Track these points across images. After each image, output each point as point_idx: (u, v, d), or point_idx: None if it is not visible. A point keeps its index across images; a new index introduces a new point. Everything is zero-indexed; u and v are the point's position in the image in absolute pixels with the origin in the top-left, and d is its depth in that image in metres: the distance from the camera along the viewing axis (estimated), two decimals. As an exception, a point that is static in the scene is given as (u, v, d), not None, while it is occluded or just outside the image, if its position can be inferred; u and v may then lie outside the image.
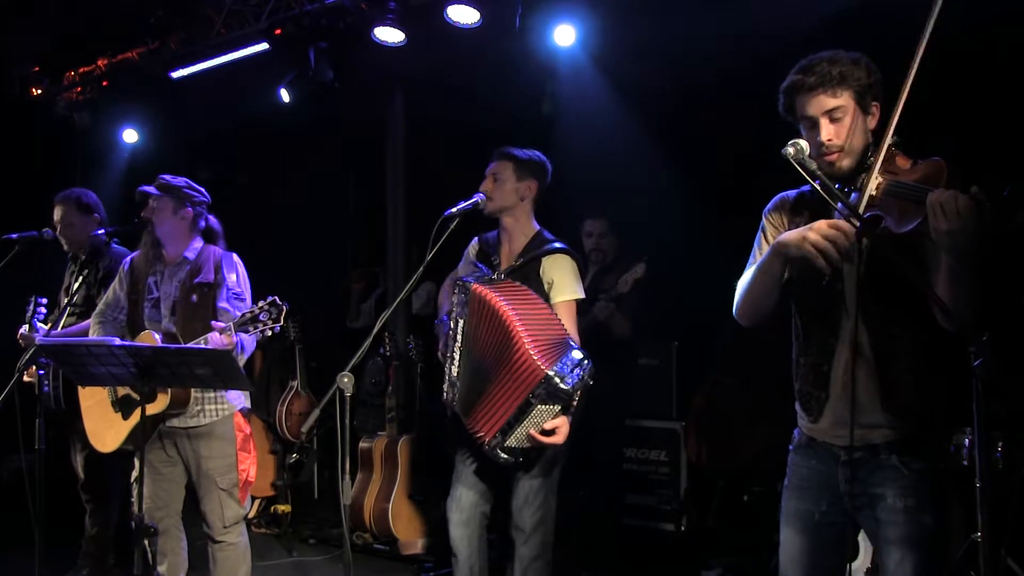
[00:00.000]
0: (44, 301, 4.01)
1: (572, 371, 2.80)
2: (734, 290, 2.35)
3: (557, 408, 2.82)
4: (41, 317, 3.93)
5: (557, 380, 2.75)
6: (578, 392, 2.83)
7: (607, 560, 4.48)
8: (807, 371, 2.19)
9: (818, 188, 1.96)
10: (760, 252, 2.27)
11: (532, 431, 2.83)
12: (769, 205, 2.33)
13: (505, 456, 2.91)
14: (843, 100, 2.06)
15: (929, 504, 2.05)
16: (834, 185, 1.98)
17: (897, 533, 2.05)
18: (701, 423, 5.03)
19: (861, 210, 1.93)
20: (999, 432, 3.59)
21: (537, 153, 3.30)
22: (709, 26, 4.37)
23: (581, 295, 3.18)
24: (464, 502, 3.18)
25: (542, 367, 2.75)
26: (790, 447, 2.33)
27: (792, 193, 2.30)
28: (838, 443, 2.15)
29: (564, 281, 3.13)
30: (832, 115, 2.07)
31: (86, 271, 4.07)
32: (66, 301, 4.07)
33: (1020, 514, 1.88)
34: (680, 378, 5.11)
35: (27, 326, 3.88)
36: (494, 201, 3.18)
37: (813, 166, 1.98)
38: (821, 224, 1.98)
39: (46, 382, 3.28)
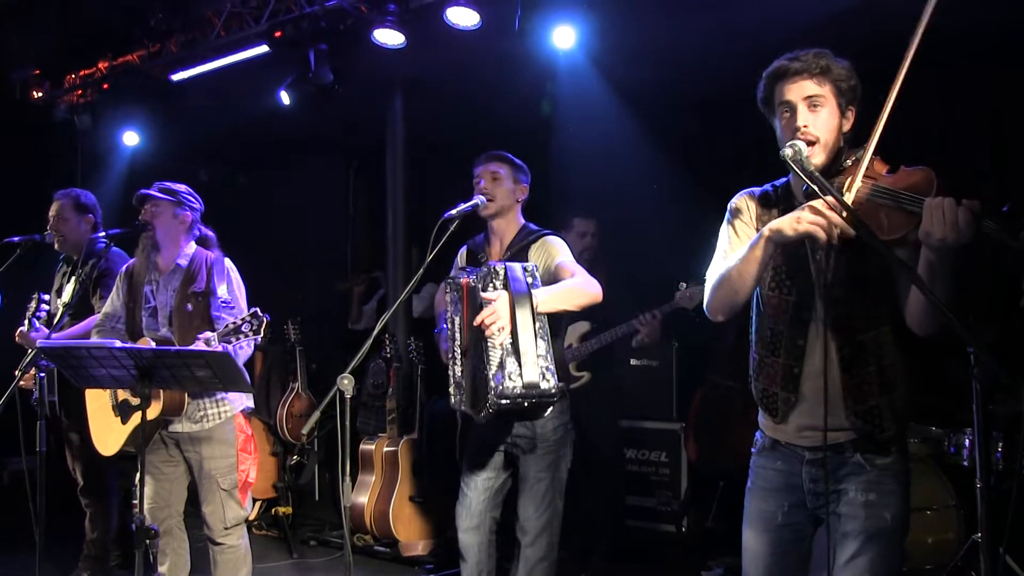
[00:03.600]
0: (47, 298, 4.00)
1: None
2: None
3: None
4: (42, 315, 3.91)
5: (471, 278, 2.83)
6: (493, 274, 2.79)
7: (607, 561, 4.47)
8: (777, 371, 2.19)
9: (816, 190, 1.95)
10: (731, 246, 2.25)
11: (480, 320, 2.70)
12: (736, 200, 2.32)
13: (504, 401, 2.63)
14: (824, 91, 2.08)
15: (890, 499, 2.10)
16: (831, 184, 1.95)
17: (856, 526, 2.09)
18: (701, 424, 5.03)
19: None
20: (999, 432, 3.61)
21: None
22: (709, 28, 4.38)
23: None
24: (474, 508, 3.17)
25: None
26: (752, 450, 2.36)
27: (757, 190, 2.31)
28: (804, 443, 2.18)
29: (558, 256, 3.08)
30: (812, 102, 2.08)
31: (80, 271, 4.03)
32: (60, 303, 4.05)
33: (1020, 514, 1.89)
34: (680, 379, 5.11)
35: (26, 323, 3.86)
36: (495, 201, 3.16)
37: (811, 167, 1.98)
38: (814, 206, 1.95)
39: (35, 391, 3.26)
